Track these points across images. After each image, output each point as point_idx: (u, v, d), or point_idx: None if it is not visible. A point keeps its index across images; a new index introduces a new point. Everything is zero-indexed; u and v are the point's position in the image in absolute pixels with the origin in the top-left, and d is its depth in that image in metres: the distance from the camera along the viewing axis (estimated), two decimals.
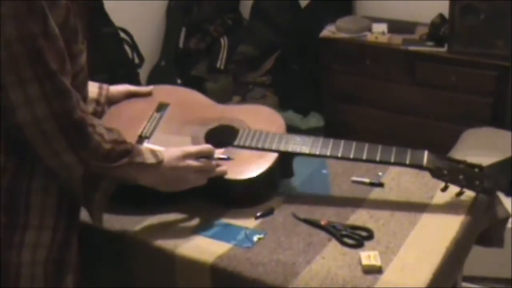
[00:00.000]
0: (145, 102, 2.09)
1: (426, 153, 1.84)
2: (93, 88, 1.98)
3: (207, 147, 1.81)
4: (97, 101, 1.99)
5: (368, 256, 1.63)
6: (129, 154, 1.60)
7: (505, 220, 2.00)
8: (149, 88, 2.14)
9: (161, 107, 2.06)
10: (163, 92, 2.14)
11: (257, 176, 1.84)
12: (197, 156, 1.77)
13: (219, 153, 1.86)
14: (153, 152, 1.68)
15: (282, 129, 1.97)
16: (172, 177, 1.72)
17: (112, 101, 2.06)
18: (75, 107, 1.49)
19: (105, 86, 2.05)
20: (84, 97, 1.64)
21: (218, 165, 1.81)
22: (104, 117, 2.01)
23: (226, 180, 1.83)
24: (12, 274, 1.54)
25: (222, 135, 1.95)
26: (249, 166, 1.86)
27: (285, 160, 1.92)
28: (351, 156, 1.86)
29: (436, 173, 1.82)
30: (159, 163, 1.68)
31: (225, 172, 1.82)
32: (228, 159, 1.85)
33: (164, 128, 1.98)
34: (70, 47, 1.51)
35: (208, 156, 1.80)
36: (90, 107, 1.90)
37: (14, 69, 1.40)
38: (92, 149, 1.53)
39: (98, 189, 1.60)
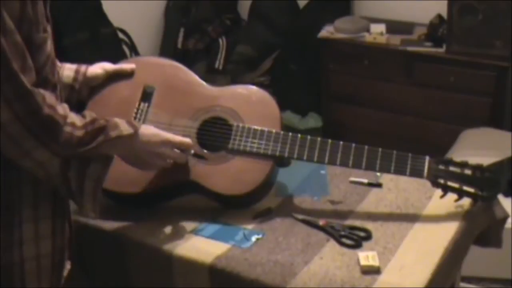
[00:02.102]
0: (128, 87, 1.96)
1: (427, 160, 1.80)
2: (69, 72, 1.88)
3: (187, 142, 1.77)
4: (71, 86, 1.88)
5: (367, 256, 1.63)
6: (103, 131, 1.56)
7: (504, 220, 2.00)
8: (131, 65, 2.00)
9: (147, 94, 1.94)
10: (146, 68, 2.01)
11: (252, 190, 1.82)
12: (175, 147, 1.74)
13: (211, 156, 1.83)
14: (129, 123, 1.64)
15: (276, 119, 1.90)
16: (141, 154, 1.68)
17: (91, 84, 1.94)
18: (40, 105, 1.43)
19: (82, 69, 1.91)
20: (54, 84, 1.56)
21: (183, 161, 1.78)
22: (87, 108, 1.91)
23: (222, 195, 1.82)
24: (17, 274, 1.51)
25: (215, 134, 1.88)
26: (244, 178, 1.82)
27: (281, 163, 1.89)
28: (350, 165, 1.81)
29: (435, 184, 1.81)
30: (135, 132, 1.63)
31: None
32: (203, 157, 1.83)
33: (154, 122, 1.87)
34: (32, 38, 1.44)
35: (184, 150, 1.77)
36: (64, 93, 1.79)
37: None
38: (64, 141, 1.48)
39: (87, 176, 1.55)
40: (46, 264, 1.55)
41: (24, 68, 1.41)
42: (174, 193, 1.86)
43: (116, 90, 1.95)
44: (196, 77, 2.01)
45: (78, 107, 1.81)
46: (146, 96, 1.94)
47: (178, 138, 1.76)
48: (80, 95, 1.91)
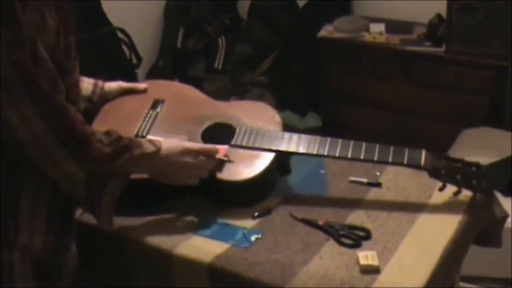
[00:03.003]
0: (140, 99, 2.08)
1: (423, 152, 1.84)
2: (87, 85, 2.00)
3: (209, 148, 1.82)
4: (90, 99, 2.00)
5: (366, 256, 1.63)
6: (128, 149, 1.63)
7: (503, 219, 2.00)
8: (144, 85, 2.13)
9: (156, 104, 2.05)
10: (158, 87, 2.13)
11: (253, 177, 1.84)
12: (197, 154, 1.78)
13: (222, 151, 1.86)
14: (151, 142, 1.71)
15: (278, 125, 1.97)
16: (166, 168, 1.74)
17: (106, 98, 2.06)
18: (74, 120, 1.52)
19: (99, 83, 2.05)
20: (78, 105, 1.66)
21: (217, 166, 1.82)
22: (99, 114, 2.02)
23: (222, 181, 1.83)
24: (7, 273, 1.53)
25: (219, 134, 1.94)
26: (245, 167, 1.85)
27: (282, 159, 1.91)
28: (349, 155, 1.85)
29: (433, 173, 1.83)
30: (158, 150, 1.69)
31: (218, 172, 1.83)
32: (229, 161, 1.85)
33: (160, 126, 1.97)
34: (63, 65, 1.53)
35: (208, 156, 1.80)
36: (83, 105, 1.91)
37: (7, 91, 1.42)
38: (93, 156, 1.56)
39: (105, 193, 1.62)
40: (28, 269, 1.57)
41: (56, 90, 1.49)
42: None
43: (127, 100, 2.08)
44: (204, 95, 2.11)
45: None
46: (156, 105, 2.05)
47: (197, 145, 1.83)
48: (96, 107, 2.02)
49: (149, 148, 1.68)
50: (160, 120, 2.00)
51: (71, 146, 1.52)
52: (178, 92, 2.13)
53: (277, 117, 2.01)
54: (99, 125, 1.96)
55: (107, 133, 1.62)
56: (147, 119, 2.00)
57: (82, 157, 1.54)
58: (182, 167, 1.75)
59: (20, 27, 1.40)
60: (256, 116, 1.99)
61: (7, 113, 1.44)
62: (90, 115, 1.96)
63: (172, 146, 1.74)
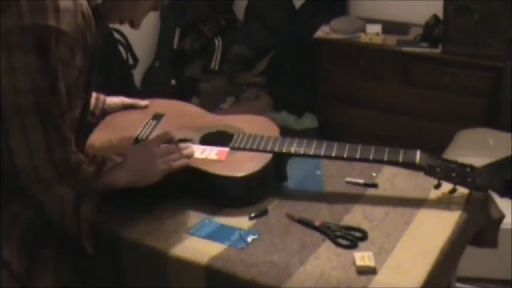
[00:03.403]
0: (141, 112, 2.13)
1: (418, 152, 1.85)
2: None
3: (164, 132, 1.88)
4: (92, 113, 2.02)
5: (362, 256, 1.62)
6: (104, 163, 1.70)
7: (499, 220, 2.00)
8: (145, 102, 2.17)
9: (156, 116, 2.09)
10: (159, 104, 2.17)
11: (252, 173, 1.84)
12: (157, 143, 1.83)
13: (223, 153, 1.89)
14: (116, 154, 1.77)
15: (276, 134, 1.98)
16: (139, 166, 1.77)
17: (107, 112, 2.10)
18: (73, 151, 1.58)
19: (101, 97, 2.09)
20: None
21: (181, 149, 1.85)
22: (100, 124, 2.05)
23: (220, 176, 1.84)
24: None
25: (218, 140, 1.96)
26: (243, 165, 1.86)
27: (279, 162, 1.92)
28: (345, 155, 1.87)
29: (428, 171, 1.83)
30: (125, 157, 1.77)
31: (190, 155, 1.85)
32: (188, 140, 1.91)
33: (160, 132, 1.98)
34: (71, 101, 1.58)
35: (169, 141, 1.85)
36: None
37: (19, 116, 1.46)
38: (82, 178, 1.62)
39: (81, 219, 1.71)
40: None
41: (64, 122, 1.56)
42: (174, 183, 1.86)
43: (127, 113, 2.13)
44: (204, 110, 2.16)
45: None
46: (156, 117, 2.08)
47: (157, 135, 1.89)
48: (97, 121, 2.07)
49: (117, 158, 1.76)
50: (160, 128, 2.02)
51: (66, 176, 1.57)
52: (178, 108, 2.17)
53: (275, 128, 2.03)
54: (99, 133, 2.01)
55: (86, 154, 1.69)
56: (147, 126, 2.03)
57: (74, 182, 1.60)
58: (150, 158, 1.78)
59: (48, 57, 1.44)
60: (255, 127, 2.01)
61: (13, 140, 1.47)
62: (90, 128, 2.00)
63: (135, 147, 1.86)
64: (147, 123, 2.05)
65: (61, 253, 1.70)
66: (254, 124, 2.03)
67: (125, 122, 2.07)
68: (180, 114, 2.12)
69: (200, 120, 2.08)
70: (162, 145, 1.83)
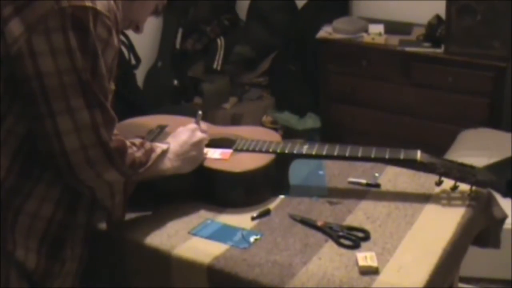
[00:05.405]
0: (143, 122, 2.14)
1: (419, 151, 1.86)
2: None
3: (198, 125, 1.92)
4: None
5: (365, 257, 1.62)
6: (153, 149, 1.71)
7: (502, 221, 2.00)
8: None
9: (160, 127, 2.09)
10: (161, 118, 2.18)
11: (252, 170, 1.85)
12: (193, 129, 1.88)
13: (226, 154, 1.93)
14: (162, 143, 1.81)
15: (279, 141, 1.99)
16: (189, 152, 1.82)
17: None
18: (115, 132, 1.58)
19: None
20: None
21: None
22: None
23: (221, 172, 1.85)
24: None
25: (221, 144, 1.98)
26: (245, 163, 1.87)
27: (281, 165, 1.92)
28: (347, 154, 1.88)
29: (430, 167, 1.84)
30: (171, 145, 1.80)
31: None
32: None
33: (164, 138, 1.97)
34: (110, 83, 1.61)
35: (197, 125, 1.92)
36: None
37: (64, 97, 1.46)
38: (130, 162, 1.62)
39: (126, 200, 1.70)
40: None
41: (108, 103, 1.57)
42: (176, 182, 1.87)
43: (130, 121, 2.15)
44: (207, 123, 2.16)
45: None
46: (159, 127, 2.08)
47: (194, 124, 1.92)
48: None
49: (164, 145, 1.77)
50: (164, 134, 2.03)
51: (113, 157, 1.56)
52: (181, 121, 2.15)
53: (277, 136, 2.06)
54: None
55: (131, 141, 1.69)
56: (150, 133, 2.04)
57: (122, 165, 1.59)
58: (199, 144, 1.84)
59: (87, 36, 1.45)
60: (257, 135, 2.02)
61: (61, 122, 1.47)
62: None
63: (180, 132, 1.86)
64: (150, 131, 2.05)
65: (78, 253, 1.69)
66: (256, 133, 2.05)
67: (128, 129, 2.05)
68: (183, 125, 2.11)
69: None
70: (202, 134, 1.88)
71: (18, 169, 1.54)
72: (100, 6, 1.48)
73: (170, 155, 1.78)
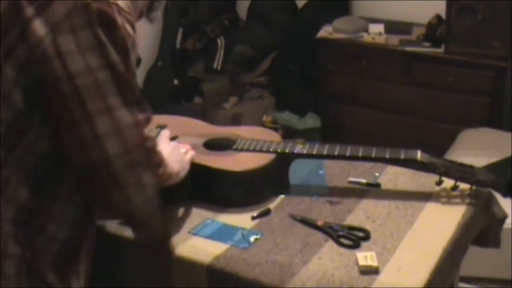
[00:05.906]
0: None
1: (419, 151, 1.87)
2: None
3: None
4: None
5: (365, 256, 1.62)
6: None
7: (502, 220, 2.00)
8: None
9: (160, 126, 2.07)
10: (161, 119, 2.15)
11: (252, 169, 1.86)
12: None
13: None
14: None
15: (279, 141, 2.00)
16: (179, 157, 1.78)
17: None
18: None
19: None
20: None
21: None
22: None
23: (221, 171, 1.85)
24: None
25: (221, 144, 1.99)
26: (246, 162, 1.88)
27: (281, 165, 1.92)
28: (348, 154, 1.88)
29: (430, 167, 1.84)
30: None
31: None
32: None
33: (163, 139, 1.96)
34: None
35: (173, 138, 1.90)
36: None
37: (100, 97, 1.35)
38: (156, 163, 1.57)
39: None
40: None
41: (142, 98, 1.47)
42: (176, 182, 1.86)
43: None
44: (207, 123, 2.18)
45: None
46: (159, 126, 2.06)
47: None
48: None
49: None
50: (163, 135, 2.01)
51: (150, 156, 1.49)
52: (182, 121, 2.18)
53: (277, 136, 2.05)
54: None
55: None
56: (150, 133, 2.00)
57: (153, 166, 1.51)
58: (178, 150, 1.81)
59: (116, 30, 1.37)
60: (257, 135, 2.02)
61: (99, 125, 1.35)
62: None
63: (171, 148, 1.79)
64: (149, 131, 2.02)
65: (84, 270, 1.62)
66: (257, 133, 2.05)
67: None
68: (183, 125, 2.14)
69: (203, 129, 2.11)
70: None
71: (34, 187, 1.41)
72: (121, 3, 1.41)
73: (170, 158, 1.71)
